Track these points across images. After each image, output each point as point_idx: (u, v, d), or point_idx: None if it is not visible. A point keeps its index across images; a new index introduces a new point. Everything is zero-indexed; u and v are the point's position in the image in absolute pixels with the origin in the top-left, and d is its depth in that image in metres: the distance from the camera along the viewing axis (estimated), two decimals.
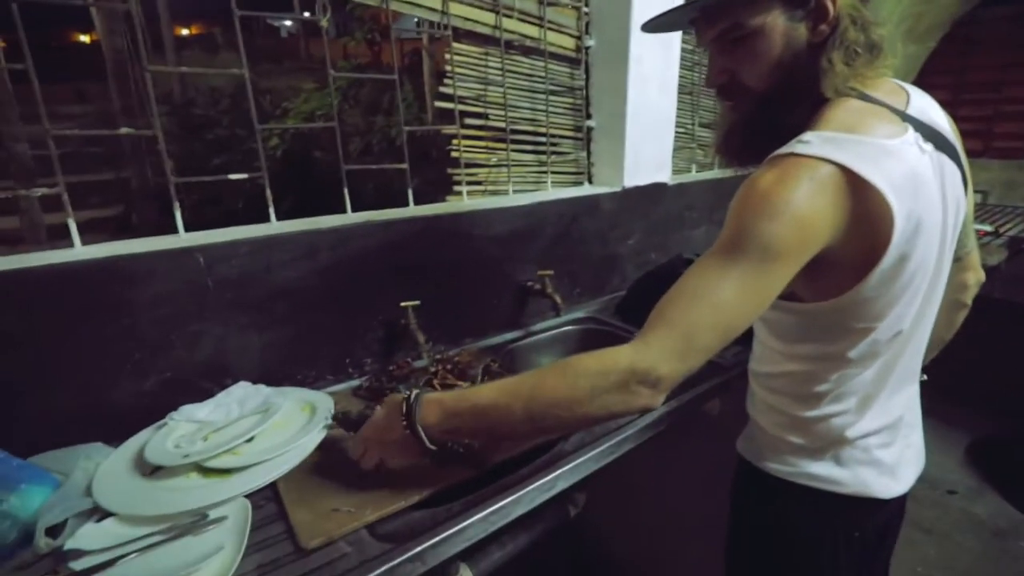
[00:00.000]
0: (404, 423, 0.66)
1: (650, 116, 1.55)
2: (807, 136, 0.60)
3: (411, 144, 1.20)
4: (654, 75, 1.52)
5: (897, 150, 0.60)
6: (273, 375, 0.95)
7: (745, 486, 0.84)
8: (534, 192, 1.46)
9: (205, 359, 0.89)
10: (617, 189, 1.54)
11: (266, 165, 1.00)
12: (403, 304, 1.05)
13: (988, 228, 1.93)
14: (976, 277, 0.90)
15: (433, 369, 0.98)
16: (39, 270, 0.75)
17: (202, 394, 0.85)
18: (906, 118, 0.64)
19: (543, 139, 1.48)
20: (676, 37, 1.56)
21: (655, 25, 0.74)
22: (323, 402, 0.86)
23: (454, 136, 1.29)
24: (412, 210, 1.18)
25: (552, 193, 1.46)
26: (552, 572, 1.58)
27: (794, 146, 0.59)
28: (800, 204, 0.56)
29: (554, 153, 1.52)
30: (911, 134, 0.63)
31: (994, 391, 2.39)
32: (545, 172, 1.50)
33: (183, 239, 0.90)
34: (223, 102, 3.28)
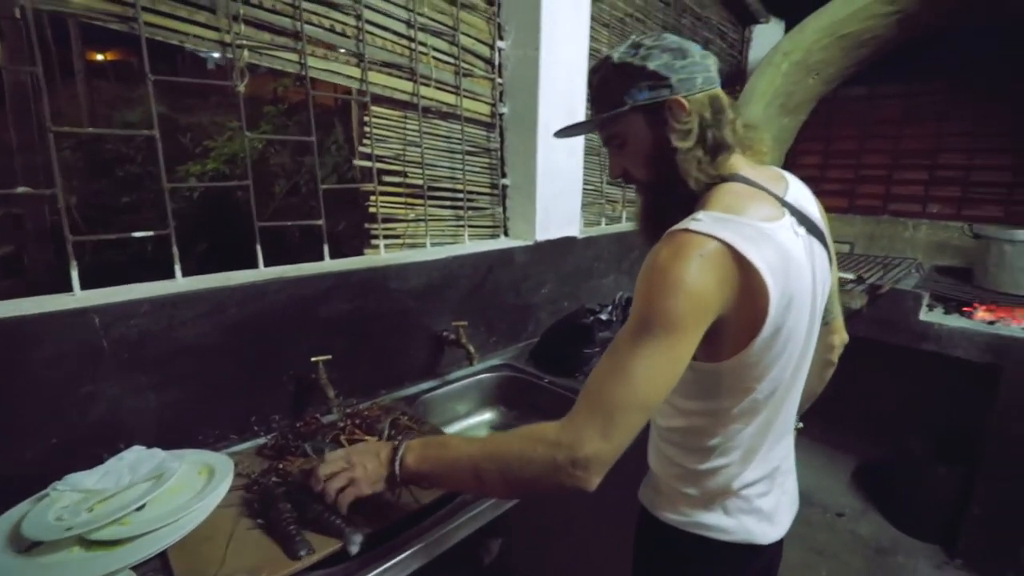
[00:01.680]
0: (390, 457, 0.74)
1: (559, 176, 1.69)
2: (699, 215, 0.68)
3: (339, 191, 1.25)
4: (562, 142, 1.67)
5: (774, 233, 0.69)
6: (172, 437, 0.93)
7: (645, 534, 0.90)
8: (451, 245, 1.54)
9: (97, 423, 0.86)
10: (530, 242, 1.65)
11: (175, 214, 1.00)
12: (314, 359, 1.07)
13: (851, 276, 2.23)
14: (841, 339, 1.02)
15: (341, 424, 1.00)
16: None
17: (92, 460, 0.82)
18: (784, 204, 0.75)
19: (460, 196, 1.57)
20: (581, 106, 1.73)
21: (564, 133, 0.87)
22: (222, 464, 0.85)
23: (372, 193, 1.34)
24: (327, 265, 1.21)
25: (468, 247, 1.54)
26: None
27: (688, 223, 0.67)
28: (694, 280, 0.63)
29: (472, 208, 1.62)
30: (787, 219, 0.73)
31: (871, 420, 2.69)
32: (462, 226, 1.58)
33: (78, 298, 0.88)
34: (137, 138, 3.13)
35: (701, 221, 0.67)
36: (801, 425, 1.03)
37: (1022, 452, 1.94)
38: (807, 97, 2.60)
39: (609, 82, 0.77)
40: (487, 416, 1.44)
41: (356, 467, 0.75)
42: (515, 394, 1.44)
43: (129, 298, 0.89)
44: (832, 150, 2.99)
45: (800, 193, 0.80)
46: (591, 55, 1.87)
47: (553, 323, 1.57)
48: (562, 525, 1.52)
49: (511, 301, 1.62)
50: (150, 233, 0.99)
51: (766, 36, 2.98)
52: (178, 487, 0.79)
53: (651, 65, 0.74)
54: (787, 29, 2.87)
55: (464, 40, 1.50)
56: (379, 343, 1.27)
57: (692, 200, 0.75)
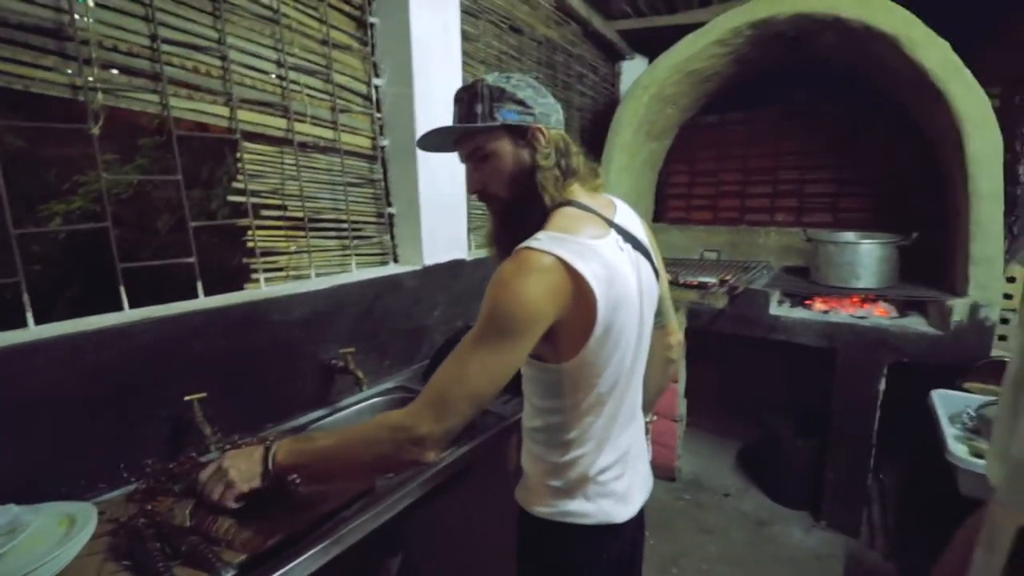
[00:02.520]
0: (263, 455, 0.83)
1: (442, 203, 1.79)
2: (539, 235, 0.79)
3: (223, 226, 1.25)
4: (442, 168, 1.78)
5: (600, 248, 0.81)
6: (31, 491, 0.89)
7: (522, 530, 0.99)
8: (337, 275, 1.58)
9: None
10: (419, 267, 1.73)
11: (38, 257, 0.97)
12: (187, 398, 1.07)
13: (714, 280, 2.53)
14: (676, 339, 1.14)
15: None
16: None
17: None
18: (612, 224, 0.87)
19: (345, 226, 1.62)
20: None
21: (425, 144, 0.93)
22: (84, 512, 0.84)
23: (249, 228, 1.36)
24: (201, 302, 1.21)
25: (355, 275, 1.59)
26: None
27: (530, 242, 0.78)
28: (529, 292, 0.74)
29: (358, 237, 1.67)
30: (613, 236, 0.85)
31: (747, 407, 3.02)
32: (349, 255, 1.63)
33: None
34: None
35: (540, 240, 0.78)
36: (654, 418, 1.17)
37: (855, 422, 2.30)
38: (668, 124, 2.93)
39: (482, 100, 0.85)
40: None
41: (231, 469, 0.84)
42: None
43: None
44: (696, 170, 3.37)
45: (627, 217, 0.94)
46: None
47: (441, 344, 1.65)
48: (459, 535, 1.58)
49: (403, 325, 1.68)
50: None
51: (633, 70, 3.33)
52: (34, 539, 0.76)
53: (519, 94, 0.85)
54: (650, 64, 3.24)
55: (339, 78, 1.57)
56: (262, 377, 1.28)
57: (541, 219, 0.85)
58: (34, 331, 0.97)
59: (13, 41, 0.95)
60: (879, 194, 2.84)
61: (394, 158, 1.73)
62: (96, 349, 0.98)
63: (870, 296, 2.44)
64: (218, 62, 1.26)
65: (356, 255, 1.65)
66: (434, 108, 1.70)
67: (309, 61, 1.48)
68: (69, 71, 1.02)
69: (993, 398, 1.75)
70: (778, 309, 2.52)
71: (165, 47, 1.15)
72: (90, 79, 1.04)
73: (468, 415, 0.76)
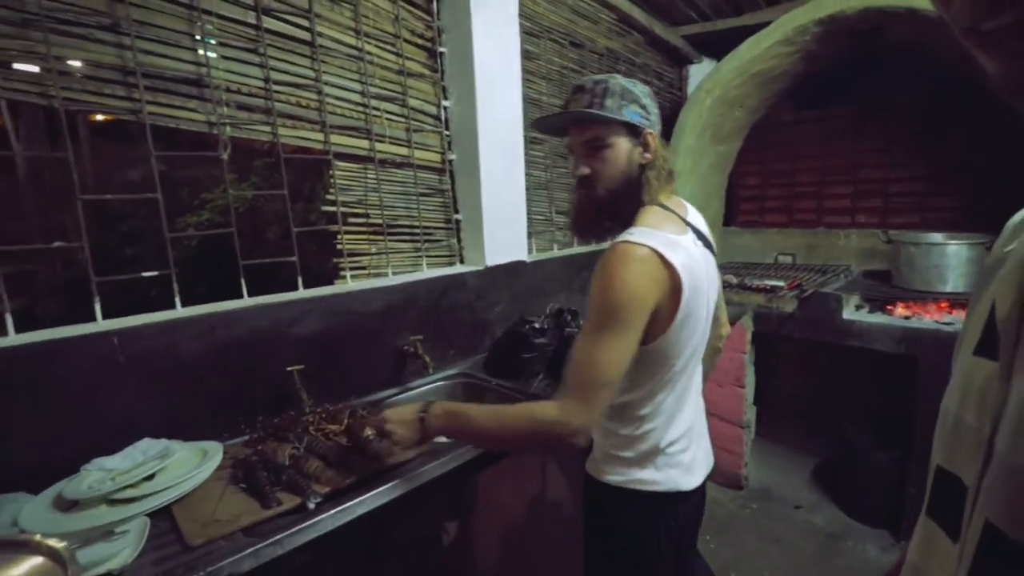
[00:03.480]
0: (419, 425, 0.98)
1: (503, 210, 1.97)
2: (632, 231, 0.90)
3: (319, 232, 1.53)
4: (503, 180, 1.96)
5: (682, 243, 0.92)
6: (175, 433, 1.17)
7: (592, 497, 1.10)
8: (410, 273, 1.80)
9: (116, 422, 1.10)
10: (481, 267, 1.91)
11: (175, 261, 1.27)
12: (289, 369, 1.32)
13: (782, 283, 2.48)
14: (726, 331, 1.28)
15: (311, 418, 1.24)
16: None
17: (112, 449, 1.06)
18: (687, 223, 0.99)
19: (417, 231, 1.84)
20: (518, 148, 2.02)
21: (542, 125, 1.06)
22: (214, 448, 1.09)
23: (338, 232, 1.61)
24: (300, 293, 1.47)
25: (425, 273, 1.81)
26: None
27: (626, 236, 0.89)
28: (636, 280, 0.85)
29: (429, 241, 1.89)
30: (691, 234, 0.97)
31: (823, 417, 2.89)
32: (420, 256, 1.85)
33: (100, 325, 1.14)
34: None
35: (634, 235, 0.89)
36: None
37: None
38: (736, 126, 2.91)
39: (613, 95, 0.95)
40: None
41: (394, 435, 1.00)
42: (469, 396, 1.68)
43: (141, 323, 1.14)
44: (768, 171, 3.29)
45: (696, 217, 1.05)
46: (531, 103, 2.18)
47: (499, 336, 1.81)
48: (516, 507, 1.73)
49: (466, 318, 1.87)
50: (155, 273, 1.26)
51: (702, 73, 3.32)
52: (179, 463, 1.02)
53: (643, 99, 0.98)
54: None
55: (413, 102, 1.80)
56: (346, 356, 1.51)
57: (630, 216, 0.96)
58: (180, 311, 1.26)
59: (168, 90, 1.26)
60: (970, 192, 2.63)
61: (460, 170, 1.93)
62: (224, 327, 1.26)
63: (958, 301, 2.28)
64: (315, 96, 1.53)
65: (427, 256, 1.87)
66: (494, 123, 1.89)
67: (388, 89, 1.72)
68: (201, 111, 1.32)
69: None
70: (854, 314, 2.42)
71: (275, 87, 1.43)
72: (221, 116, 1.33)
73: (608, 401, 0.89)
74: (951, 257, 2.29)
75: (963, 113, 2.54)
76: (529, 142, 2.14)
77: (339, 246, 1.62)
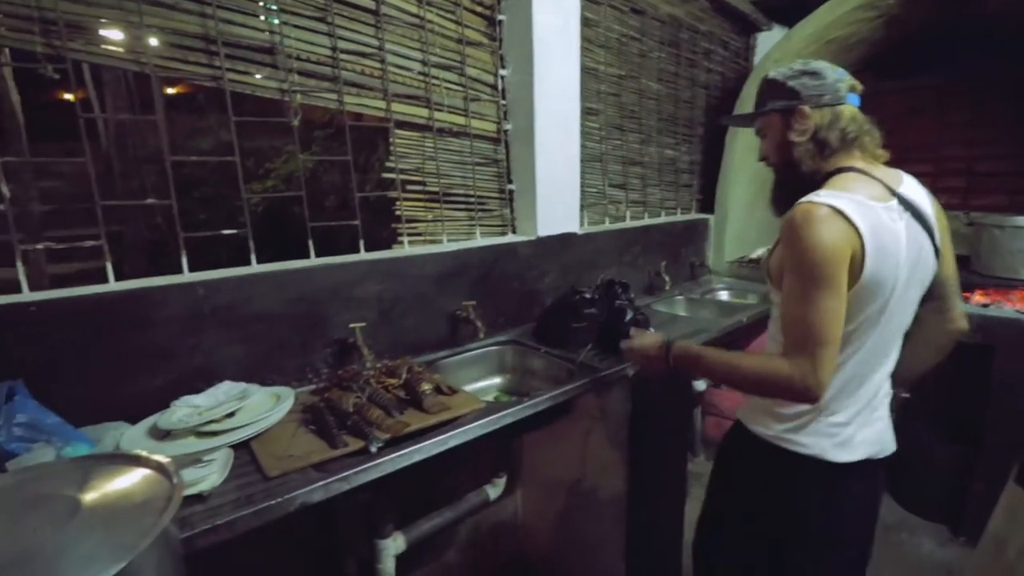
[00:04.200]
0: (662, 352, 1.14)
1: (557, 181, 1.96)
2: (819, 192, 0.94)
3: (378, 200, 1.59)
4: (557, 151, 1.95)
5: (875, 207, 0.92)
6: (252, 377, 1.27)
7: (734, 442, 1.16)
8: (464, 241, 1.84)
9: (201, 365, 1.21)
10: (533, 238, 1.93)
11: (249, 221, 1.36)
12: (351, 325, 1.40)
13: None
14: (957, 326, 1.15)
15: (371, 371, 1.31)
16: (88, 298, 1.08)
17: (197, 389, 1.17)
18: (895, 194, 0.97)
19: (472, 199, 1.88)
20: (574, 121, 2.00)
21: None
22: (287, 393, 1.18)
23: (397, 199, 1.67)
24: (361, 256, 1.54)
25: (477, 241, 1.84)
26: (483, 553, 1.85)
27: (810, 196, 0.93)
28: (827, 236, 0.88)
29: (482, 210, 1.92)
30: (894, 203, 0.95)
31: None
32: (474, 225, 1.89)
33: (187, 277, 1.24)
34: (210, 163, 3.64)
35: (818, 195, 0.93)
36: (907, 395, 1.24)
37: (1016, 428, 2.02)
38: None
39: (762, 92, 1.08)
40: (496, 380, 1.72)
41: (640, 363, 1.25)
42: (518, 362, 1.72)
43: (222, 276, 1.24)
44: None
45: (914, 190, 1.02)
46: (588, 73, 2.15)
47: (549, 306, 1.84)
48: (561, 468, 1.78)
49: (517, 287, 1.90)
50: (234, 231, 1.35)
51: (771, 42, 3.15)
52: (256, 404, 1.12)
53: (789, 83, 1.03)
54: None
55: (471, 71, 1.81)
56: (404, 317, 1.58)
57: (809, 182, 1.01)
58: (255, 268, 1.36)
59: (244, 59, 1.33)
60: None
61: (515, 140, 1.94)
62: (295, 283, 1.35)
63: None
64: (378, 64, 1.57)
65: (480, 225, 1.91)
66: (551, 93, 1.88)
67: (447, 58, 1.74)
68: (274, 79, 1.38)
69: None
70: None
71: (341, 55, 1.48)
72: (292, 84, 1.39)
73: (834, 358, 0.92)
74: None
75: None
76: (585, 113, 2.11)
77: (397, 212, 1.68)
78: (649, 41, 2.49)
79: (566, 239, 2.05)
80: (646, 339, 1.21)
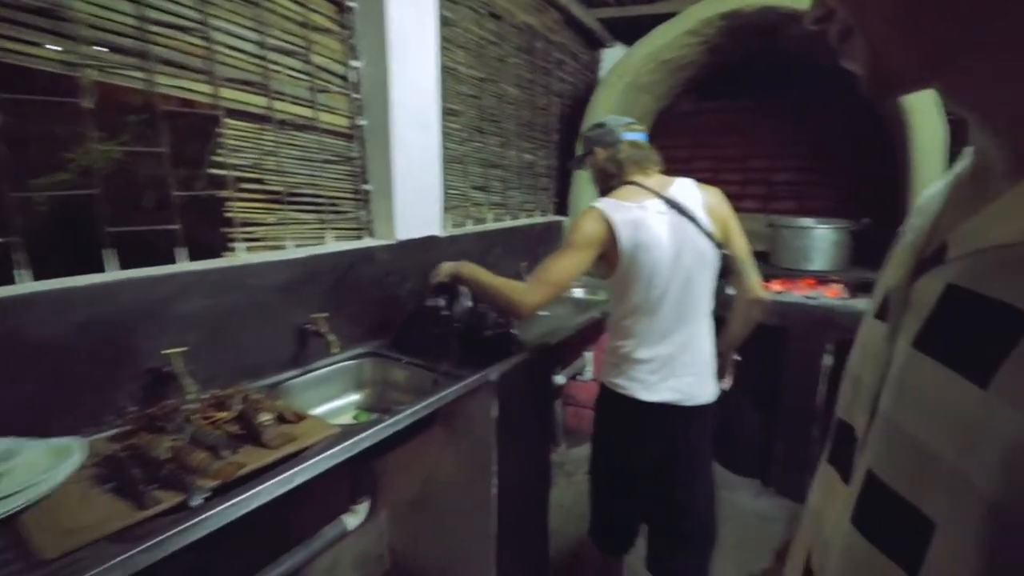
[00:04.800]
0: (455, 267, 1.58)
1: (417, 182, 1.88)
2: (600, 200, 1.42)
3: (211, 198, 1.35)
4: (418, 151, 1.87)
5: (628, 206, 1.37)
6: (28, 429, 0.99)
7: (598, 397, 1.55)
8: (314, 246, 1.68)
9: None
10: (392, 242, 1.83)
11: (27, 227, 1.06)
12: (165, 352, 1.17)
13: None
14: (754, 295, 1.49)
15: (195, 406, 1.11)
16: None
17: None
18: (660, 196, 1.38)
19: (322, 200, 1.71)
20: (434, 119, 1.94)
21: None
22: (74, 445, 0.95)
23: (228, 199, 1.45)
24: (182, 266, 1.31)
25: (329, 246, 1.69)
26: None
27: (593, 203, 1.42)
28: (586, 227, 1.37)
29: (335, 212, 1.76)
30: (656, 203, 1.37)
31: None
32: (325, 228, 1.73)
33: None
34: None
35: (598, 202, 1.41)
36: (738, 357, 1.66)
37: (802, 394, 2.45)
38: (644, 112, 3.03)
39: (582, 143, 1.60)
40: (354, 397, 1.60)
41: (442, 268, 1.61)
42: (378, 375, 1.61)
43: None
44: (670, 157, 3.42)
45: (682, 193, 1.41)
46: (448, 73, 2.09)
47: (405, 317, 1.76)
48: (427, 484, 1.71)
49: (375, 294, 1.78)
50: None
51: (614, 58, 3.40)
52: (27, 465, 0.87)
53: (588, 135, 1.57)
54: None
55: (318, 59, 1.65)
56: (240, 336, 1.38)
57: (606, 193, 1.46)
58: (26, 286, 1.06)
59: (13, 20, 1.03)
60: (839, 184, 2.97)
61: (371, 138, 1.82)
62: (89, 304, 1.08)
63: (823, 278, 2.58)
64: (202, 42, 1.34)
65: (332, 228, 1.75)
66: (409, 89, 1.79)
67: (289, 42, 1.56)
68: (61, 48, 1.10)
69: None
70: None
71: (151, 27, 1.23)
72: (82, 56, 1.12)
73: (552, 295, 1.38)
74: (817, 239, 2.58)
75: (842, 113, 2.84)
76: (445, 113, 2.06)
77: (228, 214, 1.46)
78: (507, 46, 2.52)
79: (428, 242, 1.98)
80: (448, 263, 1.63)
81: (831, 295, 2.51)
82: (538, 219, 2.95)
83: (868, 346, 0.45)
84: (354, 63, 1.75)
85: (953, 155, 2.12)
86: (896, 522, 0.35)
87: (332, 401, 1.54)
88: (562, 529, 2.28)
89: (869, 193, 2.83)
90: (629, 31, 3.26)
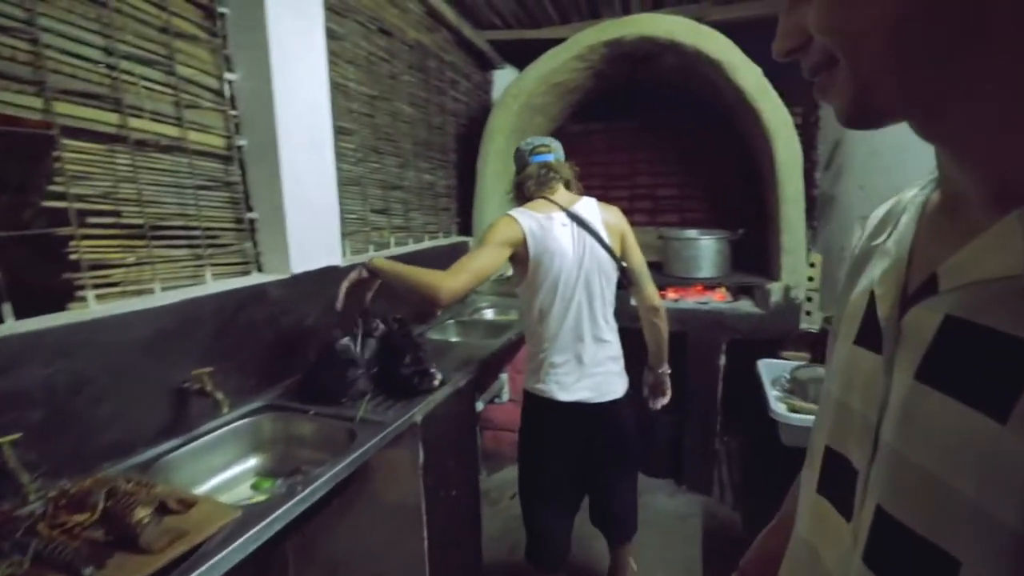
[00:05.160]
0: (363, 268, 1.46)
1: (311, 208, 1.70)
2: (515, 209, 1.57)
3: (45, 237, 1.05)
4: (310, 173, 1.69)
5: (539, 217, 1.51)
6: None
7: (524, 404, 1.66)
8: (189, 287, 1.42)
9: None
10: (286, 276, 1.62)
11: None
12: None
13: None
14: (650, 304, 1.67)
15: (41, 510, 0.86)
16: None
17: None
18: (564, 209, 1.53)
19: (197, 233, 1.47)
20: (326, 137, 1.77)
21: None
22: None
23: (72, 237, 1.17)
24: (7, 327, 1.02)
25: (209, 286, 1.45)
26: None
27: (508, 212, 1.54)
28: (500, 229, 1.49)
29: (213, 246, 1.52)
30: (560, 216, 1.52)
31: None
32: (203, 266, 1.48)
33: None
34: None
35: (513, 212, 1.54)
36: (668, 371, 1.83)
37: (704, 394, 2.63)
38: (538, 131, 3.09)
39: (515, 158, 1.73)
40: (251, 463, 1.37)
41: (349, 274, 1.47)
42: (281, 432, 1.40)
43: None
44: None
45: (585, 209, 1.57)
46: (338, 89, 1.94)
47: (317, 354, 1.57)
48: (354, 541, 1.52)
49: (270, 337, 1.56)
50: None
51: (505, 79, 3.45)
52: None
53: (514, 157, 1.72)
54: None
55: (184, 70, 1.42)
56: (95, 409, 1.11)
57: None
58: None
59: None
60: (714, 197, 3.27)
61: (254, 159, 1.60)
62: None
63: (710, 284, 2.80)
64: (27, 44, 1.07)
65: (211, 265, 1.51)
66: (297, 106, 1.62)
67: (146, 50, 1.32)
68: None
69: (803, 362, 2.11)
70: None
71: None
72: None
73: (469, 285, 1.40)
74: (703, 249, 2.80)
75: (711, 133, 3.13)
76: (338, 132, 1.90)
77: (73, 256, 1.18)
78: (399, 64, 2.41)
79: (328, 274, 1.79)
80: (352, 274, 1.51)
81: (719, 299, 2.73)
82: (443, 241, 2.85)
83: (856, 375, 0.44)
84: (229, 75, 1.54)
85: (806, 174, 2.45)
86: (914, 560, 0.34)
87: (225, 471, 1.30)
88: (495, 560, 2.18)
89: (738, 204, 3.14)
90: (519, 54, 3.33)
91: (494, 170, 2.84)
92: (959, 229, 0.37)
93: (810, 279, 2.58)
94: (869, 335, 0.43)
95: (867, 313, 0.45)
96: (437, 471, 1.47)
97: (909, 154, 1.74)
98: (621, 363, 1.65)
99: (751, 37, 2.39)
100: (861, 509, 0.40)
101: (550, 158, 1.64)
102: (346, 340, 1.46)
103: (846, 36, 0.36)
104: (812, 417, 1.52)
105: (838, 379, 0.47)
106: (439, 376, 1.54)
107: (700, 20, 2.49)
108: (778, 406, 1.80)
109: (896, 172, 1.85)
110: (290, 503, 0.97)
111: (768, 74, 2.38)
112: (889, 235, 0.47)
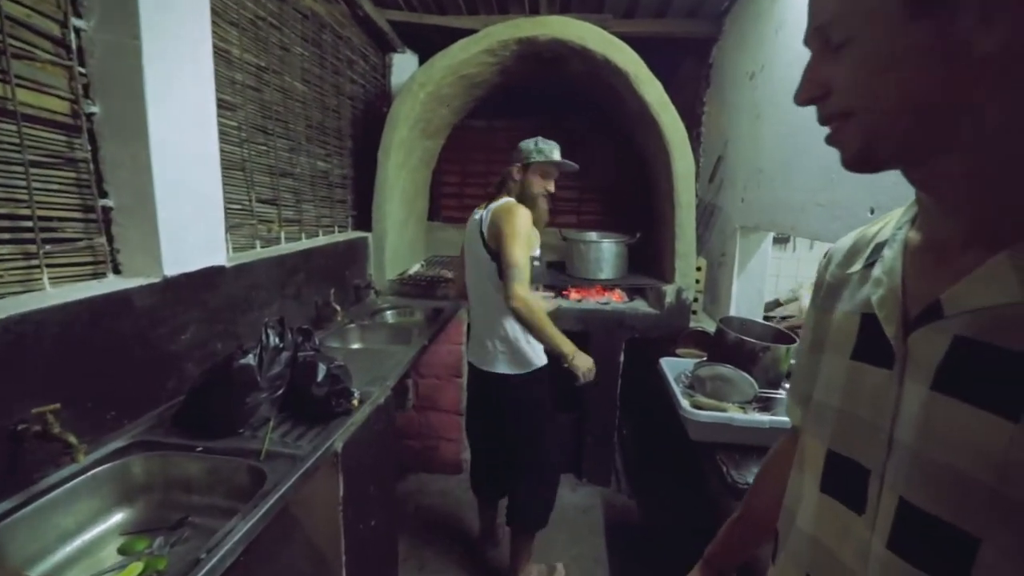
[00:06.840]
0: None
1: (190, 195, 1.40)
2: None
3: None
4: (189, 152, 1.39)
5: (476, 212, 1.91)
6: None
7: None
8: (18, 296, 1.08)
9: None
10: (156, 280, 1.31)
11: None
12: None
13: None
14: (510, 295, 1.70)
15: None
16: None
17: None
18: (479, 209, 1.90)
19: (29, 224, 1.12)
20: (211, 116, 1.48)
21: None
22: None
23: None
24: None
25: (51, 296, 1.11)
26: None
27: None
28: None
29: (52, 241, 1.17)
30: (479, 214, 1.86)
31: None
32: (37, 267, 1.13)
33: None
34: None
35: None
36: (571, 367, 1.91)
37: (603, 390, 2.72)
38: (442, 124, 2.95)
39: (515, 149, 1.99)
40: (116, 518, 1.07)
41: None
42: (157, 475, 1.13)
43: None
44: (467, 170, 3.50)
45: (491, 207, 1.83)
46: (219, 55, 1.63)
47: (200, 374, 1.29)
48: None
49: (138, 356, 1.25)
50: None
51: (404, 64, 3.24)
52: None
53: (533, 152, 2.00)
54: (420, 61, 3.19)
55: (11, 7, 1.06)
56: None
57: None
58: None
59: None
60: (609, 201, 3.42)
61: (110, 131, 1.27)
62: None
63: (607, 285, 2.92)
64: None
65: (49, 267, 1.16)
66: (177, 70, 1.32)
67: None
68: None
69: (701, 359, 2.27)
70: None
71: None
72: None
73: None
74: (604, 251, 2.90)
75: (609, 140, 3.25)
76: (219, 106, 1.59)
77: None
78: (290, 33, 2.11)
79: (210, 275, 1.49)
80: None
81: (617, 300, 2.85)
82: (339, 236, 2.58)
83: (861, 387, 0.49)
84: (78, 22, 1.19)
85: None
86: (939, 542, 0.40)
87: (81, 533, 1.00)
88: None
89: (632, 209, 3.32)
90: (419, 39, 3.14)
91: (397, 162, 2.65)
92: (947, 266, 0.44)
93: (697, 281, 2.81)
94: (871, 352, 0.49)
95: (865, 333, 0.50)
96: (358, 502, 1.31)
97: (793, 171, 1.94)
98: (496, 348, 1.87)
99: (649, 52, 2.52)
100: (878, 502, 0.45)
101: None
102: (248, 359, 1.21)
103: (873, 106, 0.42)
104: (719, 414, 1.63)
105: (839, 391, 0.52)
106: (357, 394, 1.37)
107: (604, 29, 2.56)
108: (686, 404, 1.91)
109: (780, 188, 2.06)
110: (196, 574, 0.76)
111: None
112: (865, 265, 0.53)
